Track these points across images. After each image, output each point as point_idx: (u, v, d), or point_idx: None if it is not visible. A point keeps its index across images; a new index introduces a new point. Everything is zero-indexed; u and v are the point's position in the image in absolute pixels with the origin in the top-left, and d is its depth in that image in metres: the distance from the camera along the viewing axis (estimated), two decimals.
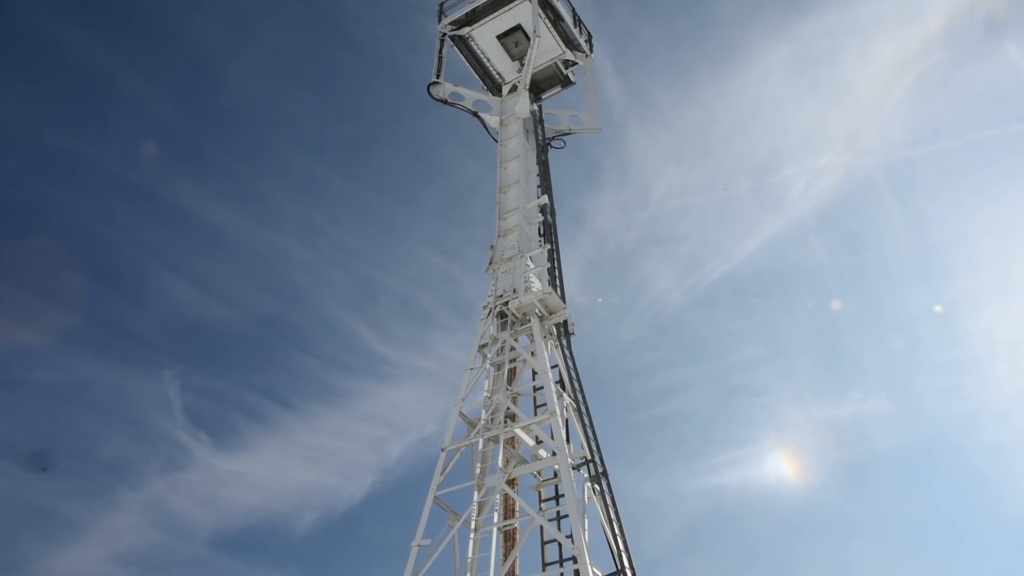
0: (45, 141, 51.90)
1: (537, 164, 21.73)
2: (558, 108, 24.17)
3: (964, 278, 59.44)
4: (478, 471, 15.92)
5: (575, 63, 24.04)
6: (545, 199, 20.25)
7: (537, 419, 16.28)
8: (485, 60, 23.71)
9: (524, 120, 22.21)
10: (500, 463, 15.72)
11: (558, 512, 16.05)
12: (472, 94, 23.40)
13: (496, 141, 22.26)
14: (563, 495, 15.73)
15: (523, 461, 16.49)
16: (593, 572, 13.85)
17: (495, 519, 15.26)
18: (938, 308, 55.63)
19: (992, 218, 57.42)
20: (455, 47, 23.65)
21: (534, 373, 17.53)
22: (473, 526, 15.33)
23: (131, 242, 55.77)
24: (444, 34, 23.53)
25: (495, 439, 16.08)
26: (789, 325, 65.48)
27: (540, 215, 20.14)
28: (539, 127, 22.42)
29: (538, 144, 22.08)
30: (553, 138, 22.74)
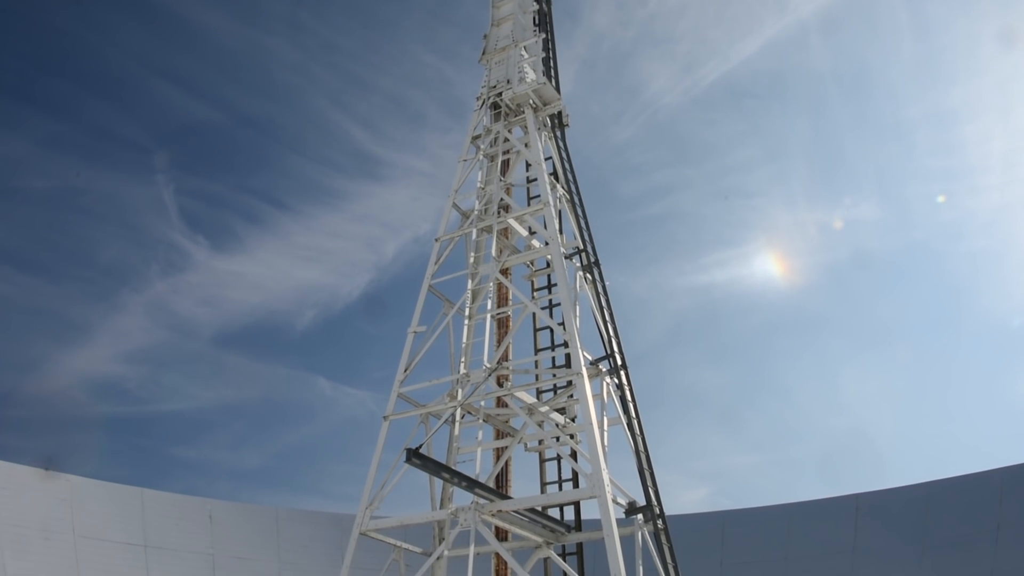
0: None
1: None
2: None
3: (965, 85, 58.09)
4: (472, 260, 16.05)
5: None
6: None
7: (530, 209, 16.25)
8: None
9: None
10: (494, 253, 15.80)
11: (550, 300, 16.40)
12: None
13: None
14: (555, 284, 15.99)
15: (516, 251, 16.62)
16: (584, 356, 14.24)
17: (488, 307, 15.51)
18: (940, 199, 54.79)
19: (1000, 23, 55.45)
20: None
21: (528, 165, 17.37)
22: (467, 314, 15.58)
23: (112, 45, 53.83)
24: None
25: (488, 229, 16.09)
26: (785, 129, 64.58)
27: (535, 3, 19.24)
28: None
29: None
30: None
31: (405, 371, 15.31)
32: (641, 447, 14.18)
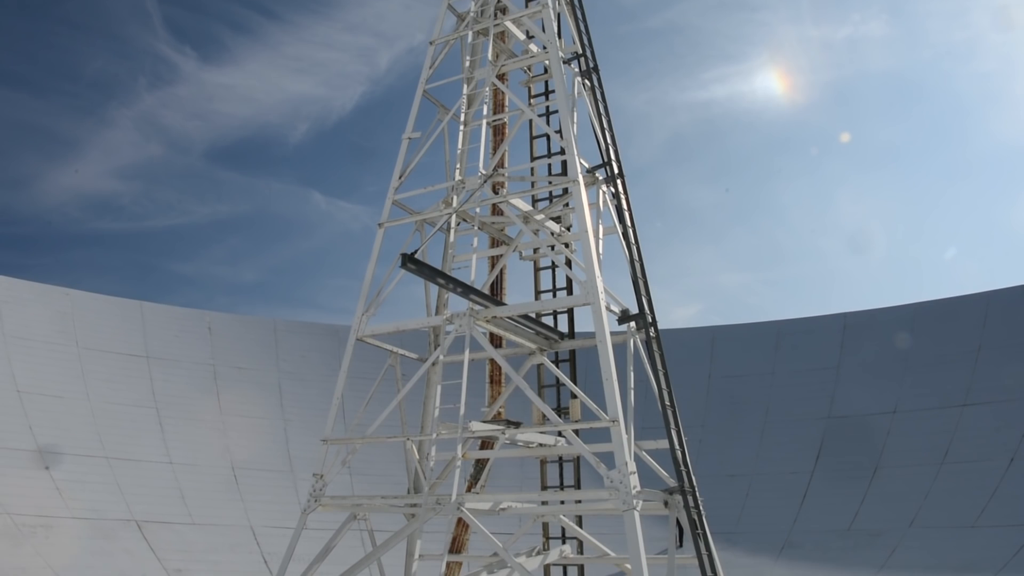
0: None
1: None
2: None
3: None
4: (467, 65, 15.47)
5: None
6: None
7: (528, 11, 15.49)
8: None
9: None
10: (490, 57, 15.19)
11: (547, 107, 15.97)
12: None
13: None
14: (553, 91, 15.49)
15: (513, 56, 16.01)
16: (580, 164, 13.99)
17: (484, 113, 15.06)
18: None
19: None
20: None
21: None
22: (463, 120, 15.17)
23: None
24: None
25: (485, 32, 15.41)
26: None
27: None
28: None
29: None
30: None
31: (400, 178, 15.08)
32: (636, 256, 14.17)
